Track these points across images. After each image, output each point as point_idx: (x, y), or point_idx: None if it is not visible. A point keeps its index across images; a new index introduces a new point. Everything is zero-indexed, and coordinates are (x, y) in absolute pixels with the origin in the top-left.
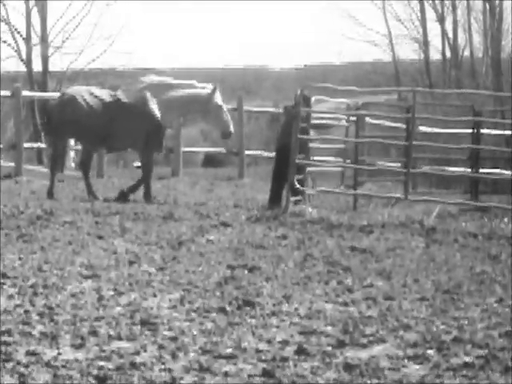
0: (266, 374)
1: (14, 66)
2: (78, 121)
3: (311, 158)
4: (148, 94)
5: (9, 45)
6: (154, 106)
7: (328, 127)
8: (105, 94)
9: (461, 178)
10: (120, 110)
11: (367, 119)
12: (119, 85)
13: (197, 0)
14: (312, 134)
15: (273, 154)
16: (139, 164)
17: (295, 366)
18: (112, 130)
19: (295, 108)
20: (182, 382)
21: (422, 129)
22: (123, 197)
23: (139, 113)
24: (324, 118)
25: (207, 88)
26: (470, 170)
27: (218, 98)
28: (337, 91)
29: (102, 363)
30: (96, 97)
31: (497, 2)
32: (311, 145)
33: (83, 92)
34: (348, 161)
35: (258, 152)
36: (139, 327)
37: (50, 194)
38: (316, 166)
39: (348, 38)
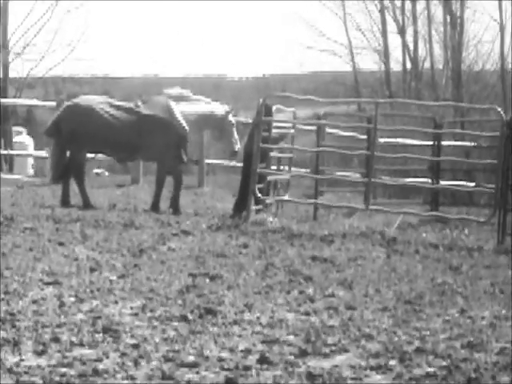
0: (228, 382)
1: None
2: (97, 132)
3: (281, 168)
4: (174, 105)
5: None
6: (180, 117)
7: (281, 138)
8: (125, 105)
9: (420, 189)
10: (147, 121)
11: (327, 129)
12: (78, 92)
13: (157, 9)
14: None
15: (232, 163)
16: (98, 171)
17: (258, 374)
18: (140, 142)
19: (257, 117)
20: None
21: (383, 140)
22: (175, 210)
23: (167, 124)
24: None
25: (222, 107)
26: (430, 181)
27: (232, 118)
28: (298, 101)
29: (64, 370)
30: (117, 107)
31: (457, 13)
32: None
33: (100, 102)
34: (308, 170)
35: (218, 161)
36: (101, 334)
37: (65, 201)
38: (277, 175)
39: (308, 48)
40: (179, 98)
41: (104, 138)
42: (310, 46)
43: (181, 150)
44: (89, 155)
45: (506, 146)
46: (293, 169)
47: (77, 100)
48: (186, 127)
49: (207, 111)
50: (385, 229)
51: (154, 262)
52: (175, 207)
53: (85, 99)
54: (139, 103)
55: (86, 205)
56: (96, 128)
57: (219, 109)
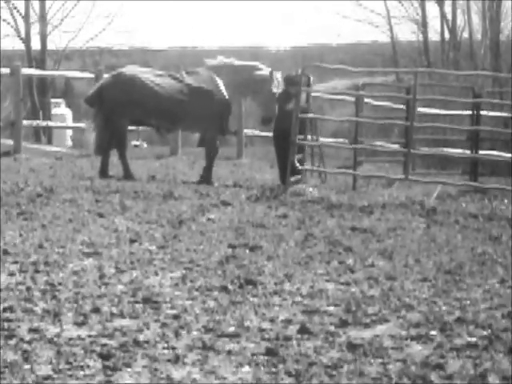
0: (269, 352)
1: (12, 43)
2: (141, 100)
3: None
4: (216, 77)
5: (8, 23)
6: (223, 88)
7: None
8: (170, 75)
9: (459, 160)
10: (192, 91)
11: (365, 99)
12: (116, 64)
13: None
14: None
15: (270, 134)
16: (137, 143)
17: (298, 345)
18: (183, 112)
19: (296, 87)
20: (185, 360)
21: (421, 110)
22: (206, 181)
23: (212, 95)
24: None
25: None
26: (469, 151)
27: (274, 87)
28: (336, 71)
29: (105, 341)
30: (162, 77)
31: None
32: None
33: (145, 72)
34: (346, 140)
35: (256, 131)
36: (141, 305)
37: (104, 172)
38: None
39: (345, 17)
40: (225, 68)
41: (148, 107)
42: (346, 15)
43: (223, 121)
44: (130, 128)
45: None
46: (331, 139)
47: (122, 69)
48: (229, 99)
49: (253, 76)
50: (424, 199)
51: (193, 232)
52: (207, 178)
53: (130, 69)
54: (184, 74)
55: (127, 175)
56: (140, 96)
57: (266, 73)
